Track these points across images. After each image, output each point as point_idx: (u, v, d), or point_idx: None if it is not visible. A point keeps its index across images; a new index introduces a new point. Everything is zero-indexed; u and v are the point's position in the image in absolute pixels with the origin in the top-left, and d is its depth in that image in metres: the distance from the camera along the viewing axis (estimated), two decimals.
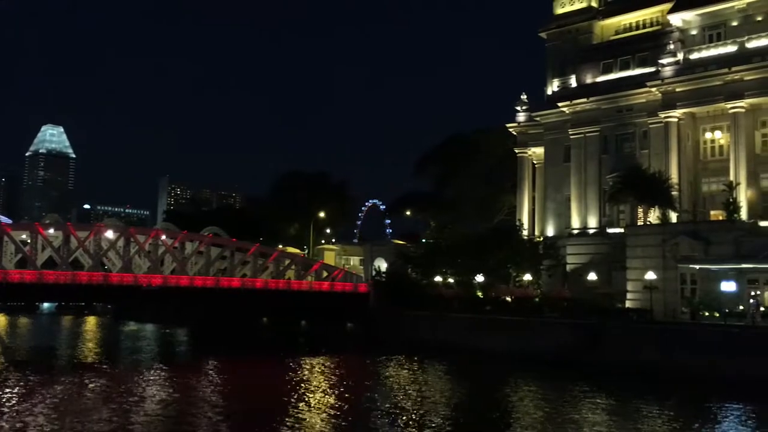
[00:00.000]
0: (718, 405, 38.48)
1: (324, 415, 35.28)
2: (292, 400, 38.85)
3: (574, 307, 60.32)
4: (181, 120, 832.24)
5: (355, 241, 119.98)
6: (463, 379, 49.77)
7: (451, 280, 76.86)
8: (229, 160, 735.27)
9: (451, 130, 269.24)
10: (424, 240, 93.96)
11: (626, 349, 50.20)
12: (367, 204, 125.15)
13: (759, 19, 63.62)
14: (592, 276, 66.80)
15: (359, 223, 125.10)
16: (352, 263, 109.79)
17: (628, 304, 59.46)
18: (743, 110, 61.98)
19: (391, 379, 48.25)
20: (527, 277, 71.66)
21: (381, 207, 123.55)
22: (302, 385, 44.51)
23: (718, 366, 44.25)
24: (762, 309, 51.21)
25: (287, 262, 75.05)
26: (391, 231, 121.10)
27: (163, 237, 67.93)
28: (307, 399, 39.47)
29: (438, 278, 77.43)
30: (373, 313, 72.36)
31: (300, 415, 34.71)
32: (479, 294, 71.08)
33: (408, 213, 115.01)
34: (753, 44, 62.16)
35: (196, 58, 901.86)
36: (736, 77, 61.75)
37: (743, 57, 61.97)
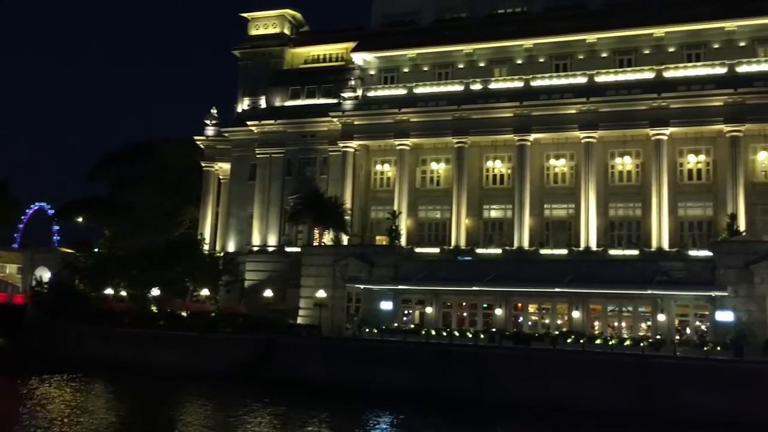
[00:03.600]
0: (372, 414, 42.32)
1: None
2: None
3: (249, 322, 61.56)
4: None
5: (15, 246, 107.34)
6: (129, 397, 47.57)
7: (124, 293, 73.11)
8: None
9: (139, 136, 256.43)
10: (96, 249, 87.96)
11: (297, 363, 52.70)
12: (32, 207, 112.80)
13: (425, 69, 72.49)
14: (268, 292, 68.91)
15: (21, 227, 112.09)
16: (8, 271, 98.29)
17: (299, 320, 62.44)
18: (408, 148, 69.70)
19: (44, 401, 43.82)
20: (205, 291, 71.26)
21: (49, 211, 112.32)
22: None
23: (374, 377, 48.78)
24: (412, 326, 57.79)
25: None
26: (59, 238, 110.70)
27: None
28: None
29: (109, 291, 73.06)
30: (32, 327, 65.57)
31: None
32: (154, 308, 68.74)
33: (80, 219, 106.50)
34: (419, 90, 70.41)
35: None
36: (404, 117, 69.27)
37: (411, 100, 69.86)
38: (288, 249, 72.54)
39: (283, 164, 75.67)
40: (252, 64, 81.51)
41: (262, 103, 79.03)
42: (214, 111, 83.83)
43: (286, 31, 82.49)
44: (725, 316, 49.60)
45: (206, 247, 77.72)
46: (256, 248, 74.45)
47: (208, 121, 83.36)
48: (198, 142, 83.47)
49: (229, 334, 59.62)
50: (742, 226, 56.56)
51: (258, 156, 76.56)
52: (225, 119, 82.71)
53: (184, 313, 66.61)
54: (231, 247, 77.77)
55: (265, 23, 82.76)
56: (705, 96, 60.41)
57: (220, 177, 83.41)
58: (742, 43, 63.00)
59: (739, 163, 59.37)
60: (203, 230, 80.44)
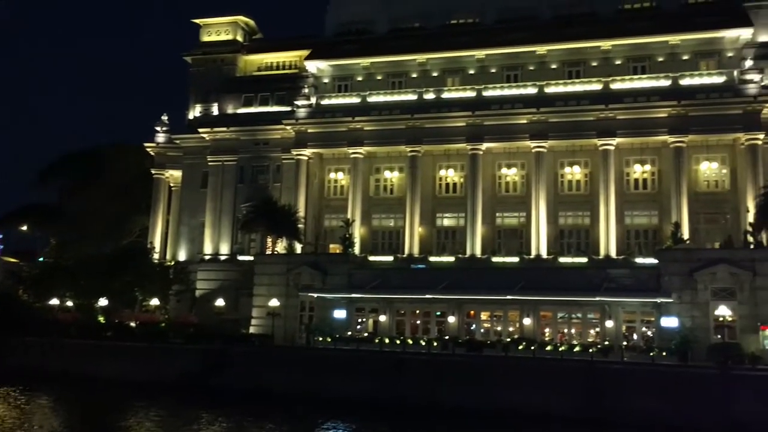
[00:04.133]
0: (324, 422, 42.12)
1: None
2: None
3: (201, 332, 60.71)
4: None
5: None
6: (75, 409, 46.39)
7: (70, 304, 71.33)
8: None
9: (86, 142, 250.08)
10: (42, 258, 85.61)
11: (249, 372, 52.08)
12: None
13: (379, 78, 72.84)
14: (220, 302, 68.11)
15: None
16: None
17: (252, 329, 61.83)
18: (362, 156, 69.84)
19: None
20: (155, 301, 70.01)
21: None
22: None
23: (328, 386, 48.59)
24: (366, 334, 57.79)
25: None
26: (2, 247, 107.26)
27: None
28: None
29: (55, 301, 71.15)
30: None
31: None
32: (101, 319, 67.21)
33: (24, 227, 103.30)
34: (373, 99, 70.64)
35: None
36: (358, 126, 69.39)
37: (365, 109, 70.02)
38: (240, 258, 71.80)
39: (235, 172, 75.01)
40: (204, 70, 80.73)
41: (215, 110, 78.24)
42: (165, 117, 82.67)
43: (239, 38, 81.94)
44: (670, 322, 51.02)
45: (156, 256, 76.35)
46: (207, 257, 73.51)
47: (158, 128, 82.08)
48: (148, 149, 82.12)
49: (180, 344, 58.67)
50: (686, 234, 58.29)
51: (210, 163, 75.73)
52: (176, 126, 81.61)
53: (132, 324, 65.29)
54: (182, 256, 76.61)
55: (217, 30, 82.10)
56: (650, 107, 62.17)
57: (171, 184, 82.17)
58: (685, 57, 65.04)
59: (682, 173, 61.22)
60: (153, 239, 79.05)
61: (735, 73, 61.91)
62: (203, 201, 75.49)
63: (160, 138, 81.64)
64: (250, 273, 65.03)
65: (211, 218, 74.42)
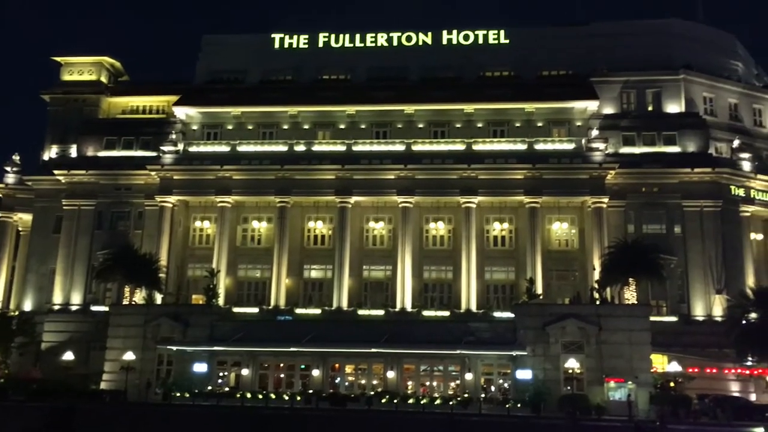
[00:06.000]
0: None
1: None
2: None
3: (45, 388, 56.34)
4: None
5: None
6: None
7: None
8: None
9: None
10: None
11: (98, 431, 48.77)
12: None
13: (250, 127, 72.63)
14: (68, 355, 63.62)
15: None
16: None
17: (103, 385, 58.10)
18: (229, 205, 68.78)
19: None
20: None
21: None
22: None
23: None
24: (227, 389, 55.95)
25: None
26: None
27: None
28: None
29: None
30: None
31: None
32: None
33: None
34: (243, 148, 70.15)
35: None
36: (226, 174, 68.47)
37: (234, 158, 69.31)
38: (94, 308, 67.92)
39: (93, 217, 71.34)
40: (63, 110, 77.00)
41: (73, 151, 74.60)
42: (16, 157, 77.78)
43: (103, 79, 79.07)
44: (524, 374, 53.24)
45: None
46: (57, 307, 68.89)
47: (8, 168, 76.99)
48: None
49: (21, 401, 54.03)
50: (539, 289, 61.53)
51: (65, 207, 71.65)
52: (29, 166, 76.83)
53: None
54: (28, 306, 71.33)
55: (80, 69, 78.84)
56: (507, 169, 65.98)
57: (20, 229, 76.85)
58: (539, 124, 69.91)
59: (536, 231, 65.05)
60: None
61: (583, 141, 67.17)
62: (55, 247, 71.09)
63: (10, 179, 76.64)
64: (104, 325, 61.38)
65: (63, 265, 70.06)
